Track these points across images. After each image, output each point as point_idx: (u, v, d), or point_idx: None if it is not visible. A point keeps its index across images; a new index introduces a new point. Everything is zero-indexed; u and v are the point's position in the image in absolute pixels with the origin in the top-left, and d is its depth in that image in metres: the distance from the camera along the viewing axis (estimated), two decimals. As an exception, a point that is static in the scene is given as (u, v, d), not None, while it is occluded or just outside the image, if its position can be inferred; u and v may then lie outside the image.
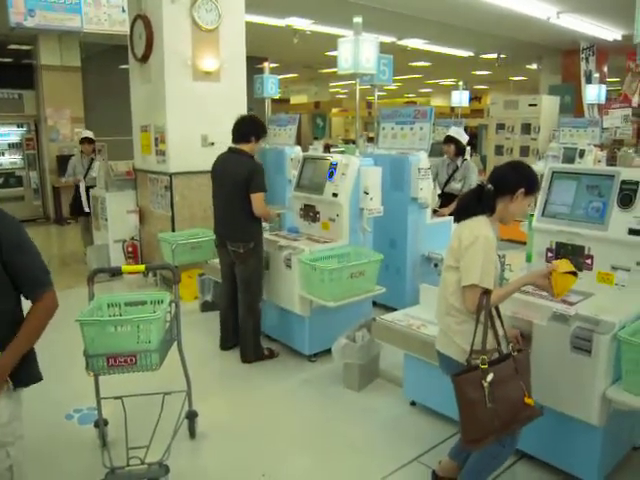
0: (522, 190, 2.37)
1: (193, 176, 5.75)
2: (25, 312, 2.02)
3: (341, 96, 23.11)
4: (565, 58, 12.91)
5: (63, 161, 8.66)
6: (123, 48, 6.33)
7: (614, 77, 14.20)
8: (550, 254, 2.94)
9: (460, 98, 10.61)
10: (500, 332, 2.32)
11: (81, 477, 2.86)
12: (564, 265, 2.32)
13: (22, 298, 2.01)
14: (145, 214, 6.42)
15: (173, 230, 5.71)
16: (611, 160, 8.69)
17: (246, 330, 4.14)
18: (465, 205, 2.47)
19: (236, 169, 3.95)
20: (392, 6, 8.37)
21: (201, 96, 5.71)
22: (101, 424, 2.93)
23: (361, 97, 4.69)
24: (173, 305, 2.87)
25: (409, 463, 2.95)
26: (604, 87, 10.86)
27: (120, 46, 6.68)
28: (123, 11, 4.81)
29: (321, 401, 3.63)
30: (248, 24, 6.02)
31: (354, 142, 5.27)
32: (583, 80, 11.98)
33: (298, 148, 5.74)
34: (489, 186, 2.38)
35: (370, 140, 8.14)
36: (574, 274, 2.31)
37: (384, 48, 5.26)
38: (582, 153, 7.78)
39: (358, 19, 4.21)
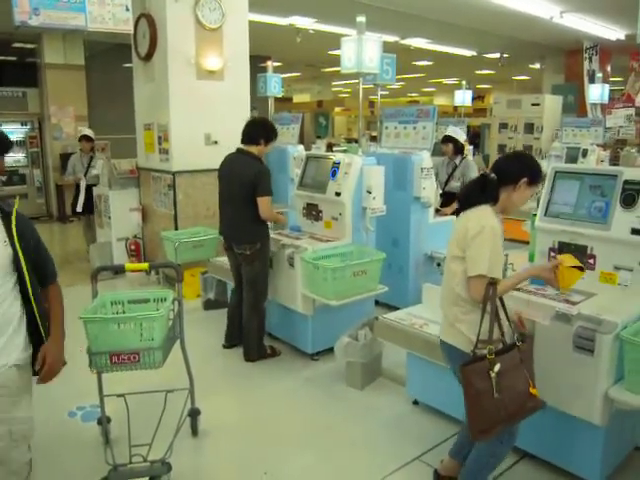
0: (525, 180, 2.36)
1: (196, 174, 5.75)
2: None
3: (344, 95, 23.10)
4: (568, 58, 12.89)
5: (66, 159, 8.65)
6: (127, 47, 6.34)
7: (617, 77, 14.17)
8: (553, 254, 2.94)
9: (463, 97, 10.59)
10: (505, 322, 2.32)
11: (84, 474, 2.87)
12: (569, 260, 2.33)
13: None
14: (148, 212, 6.42)
15: (176, 228, 5.72)
16: (614, 160, 8.66)
17: (250, 329, 4.14)
18: (468, 194, 2.46)
19: (243, 170, 3.95)
20: (395, 5, 8.37)
21: (204, 95, 5.71)
22: (104, 421, 2.95)
23: (364, 96, 4.68)
24: (176, 303, 2.87)
25: (411, 462, 2.95)
26: (607, 87, 10.86)
27: (124, 45, 6.70)
28: (127, 10, 4.81)
29: (323, 400, 3.64)
30: (251, 23, 6.03)
31: (357, 141, 5.27)
32: (586, 80, 11.94)
33: (301, 147, 5.75)
34: (492, 175, 2.38)
35: (373, 139, 8.13)
36: (580, 269, 2.32)
37: (387, 47, 5.26)
38: (585, 153, 7.75)
39: (361, 18, 4.21)
